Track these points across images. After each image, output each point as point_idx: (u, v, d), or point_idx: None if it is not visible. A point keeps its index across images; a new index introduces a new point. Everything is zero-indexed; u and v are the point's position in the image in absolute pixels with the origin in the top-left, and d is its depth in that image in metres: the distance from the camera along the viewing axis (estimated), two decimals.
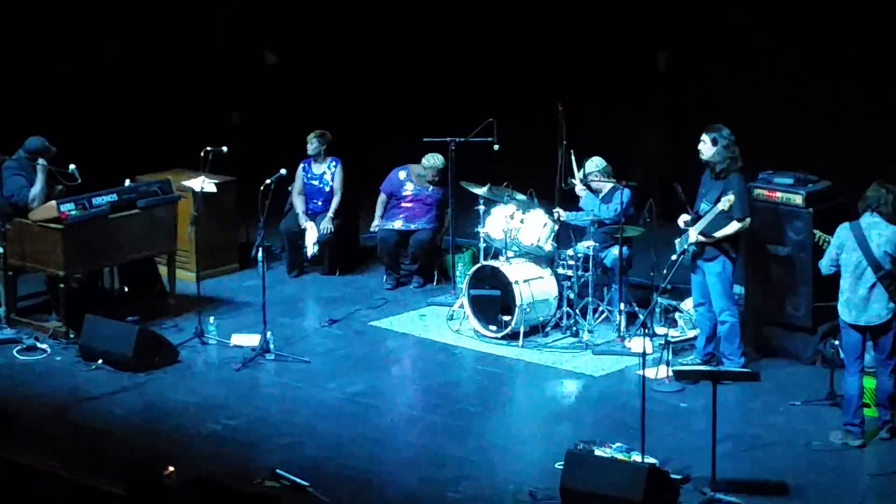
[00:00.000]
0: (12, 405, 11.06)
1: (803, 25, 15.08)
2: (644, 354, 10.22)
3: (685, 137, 11.99)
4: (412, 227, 14.08)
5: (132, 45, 17.30)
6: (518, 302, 12.37)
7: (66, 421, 11.06)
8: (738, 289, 12.16)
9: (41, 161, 12.65)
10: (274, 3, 17.97)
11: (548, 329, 12.60)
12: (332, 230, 14.20)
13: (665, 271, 11.56)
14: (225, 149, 12.66)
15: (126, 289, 13.45)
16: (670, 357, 11.56)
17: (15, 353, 12.28)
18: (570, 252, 12.70)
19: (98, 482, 9.50)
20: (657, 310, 12.41)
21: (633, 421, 10.14)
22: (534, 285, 12.53)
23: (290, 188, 14.28)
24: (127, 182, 13.14)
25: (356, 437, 10.71)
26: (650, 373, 11.03)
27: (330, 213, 14.25)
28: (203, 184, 12.85)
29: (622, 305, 12.46)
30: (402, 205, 14.14)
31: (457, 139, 13.61)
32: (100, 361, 11.96)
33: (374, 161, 15.11)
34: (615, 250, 12.59)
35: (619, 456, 9.92)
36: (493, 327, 12.58)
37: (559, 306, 12.64)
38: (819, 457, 10.31)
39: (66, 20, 16.85)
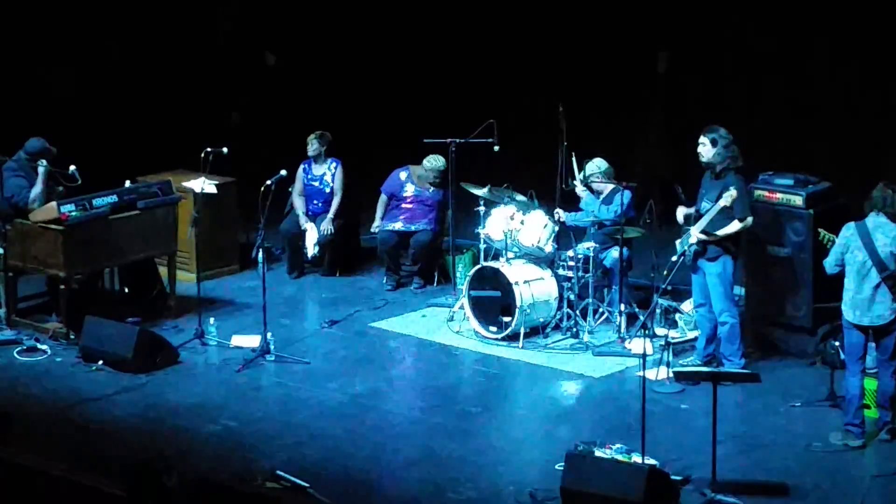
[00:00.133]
0: (12, 406, 11.08)
1: (803, 26, 15.08)
2: (644, 355, 10.22)
3: (685, 138, 11.99)
4: (412, 228, 14.08)
5: (132, 45, 17.30)
6: (518, 303, 12.37)
7: (66, 422, 11.05)
8: (739, 290, 12.16)
9: (42, 162, 12.66)
10: (274, 4, 17.97)
11: (548, 330, 12.60)
12: (333, 231, 14.20)
13: (665, 272, 11.57)
14: (225, 150, 12.67)
15: (126, 290, 13.46)
16: (670, 358, 11.56)
17: (15, 354, 12.27)
18: (570, 253, 12.70)
19: (98, 483, 9.49)
20: (657, 311, 12.41)
21: (634, 422, 10.14)
22: (534, 286, 12.53)
23: (290, 189, 14.28)
24: (127, 183, 13.15)
25: (356, 438, 10.70)
26: (650, 374, 11.04)
27: (330, 215, 14.25)
28: (203, 185, 12.84)
29: (622, 306, 12.46)
30: (403, 206, 14.15)
31: (457, 140, 13.60)
32: (100, 362, 11.96)
33: (375, 162, 15.11)
34: (615, 251, 12.59)
35: (620, 457, 9.92)
36: (494, 328, 12.58)
37: (559, 307, 12.64)
38: (819, 458, 10.31)
39: (66, 20, 16.86)
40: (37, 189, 12.62)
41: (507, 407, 11.61)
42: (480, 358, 12.34)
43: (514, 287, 12.39)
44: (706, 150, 11.52)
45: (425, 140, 13.80)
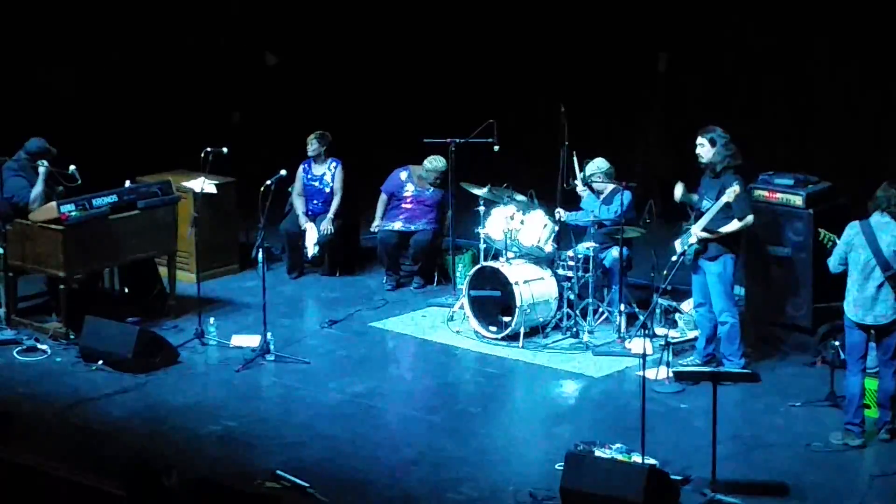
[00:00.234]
0: (12, 406, 11.09)
1: (803, 26, 15.08)
2: (644, 355, 10.22)
3: (685, 138, 11.99)
4: (412, 227, 14.08)
5: (132, 46, 17.30)
6: (518, 303, 12.37)
7: (66, 422, 11.04)
8: (739, 290, 12.16)
9: (42, 163, 12.66)
10: (275, 4, 17.97)
11: (548, 330, 12.60)
12: (333, 231, 14.20)
13: (665, 272, 11.57)
14: (225, 150, 12.67)
15: (126, 290, 13.47)
16: (670, 358, 11.56)
17: (15, 354, 12.27)
18: (570, 253, 12.70)
19: (98, 483, 9.51)
20: (657, 311, 12.41)
21: (634, 422, 10.13)
22: (534, 286, 12.53)
23: (290, 189, 14.28)
24: (127, 183, 13.15)
25: (356, 438, 10.70)
26: (650, 374, 11.03)
27: (330, 214, 14.25)
28: (203, 185, 12.85)
29: (622, 306, 12.45)
30: (403, 206, 14.15)
31: (457, 140, 13.61)
32: (100, 362, 11.95)
33: (375, 162, 15.11)
34: (615, 251, 12.59)
35: (620, 457, 9.92)
36: (494, 328, 12.58)
37: (559, 307, 12.64)
38: (819, 457, 10.31)
39: (67, 21, 16.86)
40: (37, 189, 12.63)
41: (507, 407, 11.61)
42: (480, 358, 12.34)
43: (514, 287, 12.39)
44: (705, 150, 11.51)
45: (425, 140, 13.79)
